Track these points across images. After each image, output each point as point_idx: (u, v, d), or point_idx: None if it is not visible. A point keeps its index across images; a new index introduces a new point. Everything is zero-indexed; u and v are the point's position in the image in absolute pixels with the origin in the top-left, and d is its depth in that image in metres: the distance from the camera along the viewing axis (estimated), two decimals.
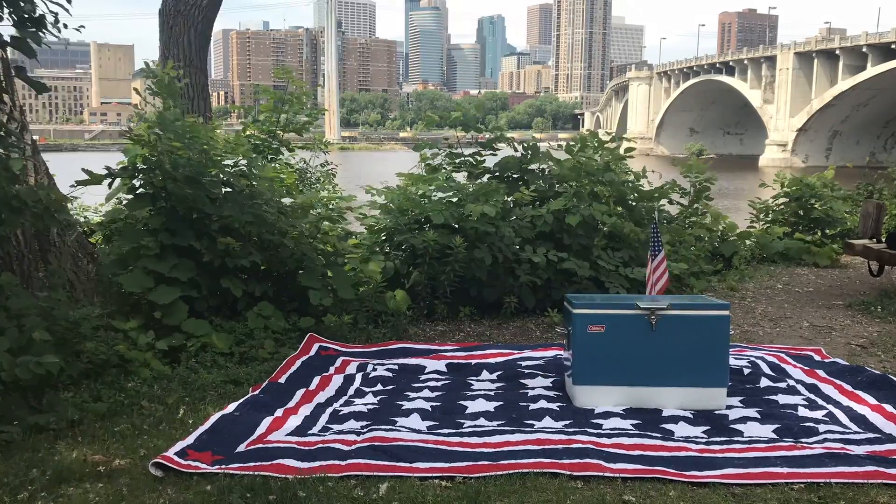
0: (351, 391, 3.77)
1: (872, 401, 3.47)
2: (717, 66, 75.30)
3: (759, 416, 3.34)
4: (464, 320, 5.22)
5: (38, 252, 4.23)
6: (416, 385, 3.82)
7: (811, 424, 3.20)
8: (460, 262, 5.19)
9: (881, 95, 58.15)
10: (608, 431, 3.13)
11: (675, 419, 3.30)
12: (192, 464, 2.73)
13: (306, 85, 7.46)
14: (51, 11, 3.46)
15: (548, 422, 3.28)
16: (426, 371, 4.07)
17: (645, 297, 3.77)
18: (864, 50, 57.30)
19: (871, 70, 56.14)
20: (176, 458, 2.73)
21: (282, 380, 3.81)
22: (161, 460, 2.73)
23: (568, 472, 2.67)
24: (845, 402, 3.52)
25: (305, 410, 3.36)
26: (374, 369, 4.12)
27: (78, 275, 4.37)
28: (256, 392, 3.59)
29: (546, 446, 2.91)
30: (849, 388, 3.72)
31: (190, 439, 2.86)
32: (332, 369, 4.07)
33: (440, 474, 2.69)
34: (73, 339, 3.69)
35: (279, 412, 3.33)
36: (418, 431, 3.14)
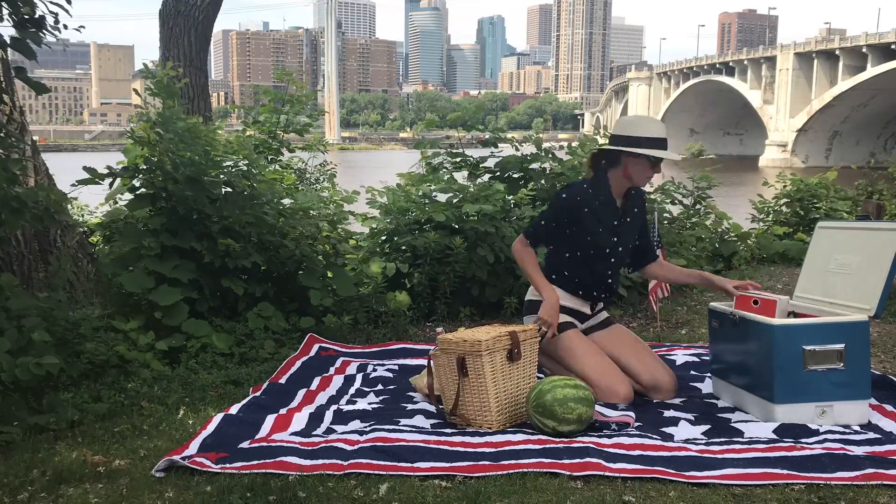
0: (352, 391, 3.77)
1: (873, 401, 3.47)
2: (717, 66, 75.36)
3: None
4: (464, 321, 5.22)
5: (38, 253, 4.23)
6: None
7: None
8: (460, 262, 5.19)
9: (881, 96, 58.19)
10: (609, 432, 3.13)
11: (675, 420, 3.30)
12: (197, 460, 2.73)
13: (306, 86, 7.47)
14: (51, 12, 3.46)
15: None
16: None
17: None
18: (864, 50, 57.33)
19: (871, 70, 56.17)
20: (180, 461, 2.73)
21: (282, 380, 3.81)
22: (167, 459, 2.73)
23: (568, 473, 2.67)
24: None
25: (308, 410, 3.36)
26: (375, 370, 4.12)
27: (78, 275, 4.37)
28: (258, 393, 3.59)
29: (547, 446, 2.91)
30: None
31: (193, 449, 2.85)
32: (332, 370, 4.07)
33: (441, 473, 2.69)
34: (73, 339, 3.69)
35: (283, 411, 3.34)
36: (421, 431, 3.14)
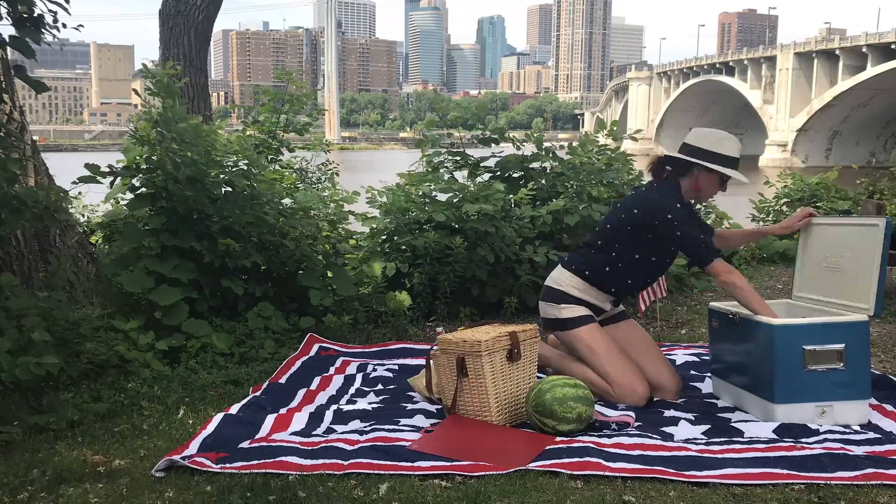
0: (352, 391, 3.77)
1: (873, 401, 3.47)
2: (717, 66, 75.31)
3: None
4: (464, 320, 5.22)
5: (38, 252, 4.23)
6: None
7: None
8: (460, 262, 5.19)
9: (881, 95, 58.14)
10: (609, 431, 3.13)
11: (675, 420, 3.30)
12: (197, 460, 2.73)
13: (306, 86, 7.46)
14: (49, 11, 3.46)
15: None
16: None
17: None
18: (864, 50, 57.28)
19: (871, 70, 56.12)
20: (180, 460, 2.73)
21: (282, 380, 3.81)
22: (167, 458, 2.73)
23: (568, 472, 2.67)
24: None
25: (308, 410, 3.36)
26: (375, 369, 4.12)
27: (78, 275, 4.37)
28: (258, 393, 3.59)
29: (547, 445, 2.91)
30: None
31: (193, 448, 2.85)
32: (332, 370, 4.07)
33: (441, 473, 2.69)
34: (73, 339, 3.69)
35: (283, 411, 3.34)
36: (421, 430, 3.14)
